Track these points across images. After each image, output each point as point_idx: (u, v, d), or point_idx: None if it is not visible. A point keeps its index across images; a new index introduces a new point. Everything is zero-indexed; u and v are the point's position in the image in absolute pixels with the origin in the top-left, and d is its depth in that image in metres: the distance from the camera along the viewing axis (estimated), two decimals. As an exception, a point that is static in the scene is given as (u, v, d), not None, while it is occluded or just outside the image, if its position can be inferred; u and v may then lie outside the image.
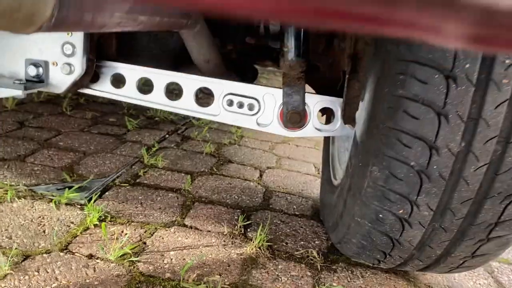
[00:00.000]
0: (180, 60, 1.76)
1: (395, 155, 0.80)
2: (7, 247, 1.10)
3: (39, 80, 1.19)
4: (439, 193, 0.82)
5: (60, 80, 1.20)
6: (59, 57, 1.18)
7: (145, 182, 1.65)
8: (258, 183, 1.83)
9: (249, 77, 2.00)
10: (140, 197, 1.50)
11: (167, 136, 2.34)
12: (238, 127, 2.77)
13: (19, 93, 1.11)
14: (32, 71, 1.17)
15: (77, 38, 1.17)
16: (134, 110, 2.77)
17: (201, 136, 2.42)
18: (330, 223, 1.23)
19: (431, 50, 0.71)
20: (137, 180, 1.65)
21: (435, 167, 0.78)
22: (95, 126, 2.30)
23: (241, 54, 1.87)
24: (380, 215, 0.89)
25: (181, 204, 1.50)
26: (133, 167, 1.78)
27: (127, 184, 1.60)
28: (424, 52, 0.72)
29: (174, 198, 1.54)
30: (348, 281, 1.21)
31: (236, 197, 1.65)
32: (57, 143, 1.93)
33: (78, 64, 1.18)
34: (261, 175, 1.94)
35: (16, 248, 1.10)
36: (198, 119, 2.76)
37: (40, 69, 1.17)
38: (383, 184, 0.84)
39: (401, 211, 0.86)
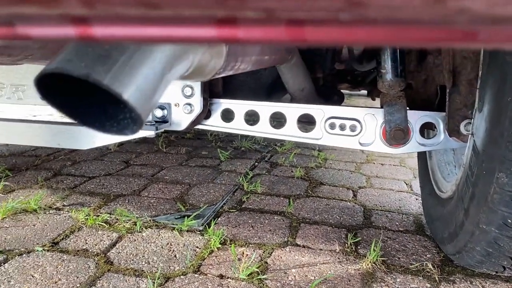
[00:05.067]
0: (272, 91, 1.88)
1: (523, 160, 0.83)
2: (149, 271, 1.24)
3: (164, 120, 1.34)
4: None
5: (182, 119, 1.34)
6: (180, 99, 1.33)
7: (250, 207, 1.76)
8: (355, 203, 1.88)
9: (336, 100, 2.08)
10: (249, 221, 1.61)
11: (256, 164, 2.46)
12: (320, 151, 2.84)
13: (151, 133, 1.26)
14: (159, 113, 1.33)
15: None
16: (221, 142, 2.94)
17: (288, 161, 2.51)
18: (444, 235, 1.25)
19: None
20: (243, 206, 1.76)
21: None
22: (191, 159, 2.48)
23: (327, 79, 1.96)
24: (509, 220, 0.91)
25: (288, 225, 1.59)
26: (235, 194, 1.90)
27: (235, 210, 1.71)
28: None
29: (280, 220, 1.63)
30: (469, 292, 1.21)
31: (337, 217, 1.70)
32: (163, 177, 2.11)
33: (197, 104, 1.33)
34: (355, 195, 1.99)
35: (156, 272, 1.23)
36: (281, 146, 2.87)
37: (165, 111, 1.33)
38: (511, 189, 0.87)
39: (531, 215, 0.88)
